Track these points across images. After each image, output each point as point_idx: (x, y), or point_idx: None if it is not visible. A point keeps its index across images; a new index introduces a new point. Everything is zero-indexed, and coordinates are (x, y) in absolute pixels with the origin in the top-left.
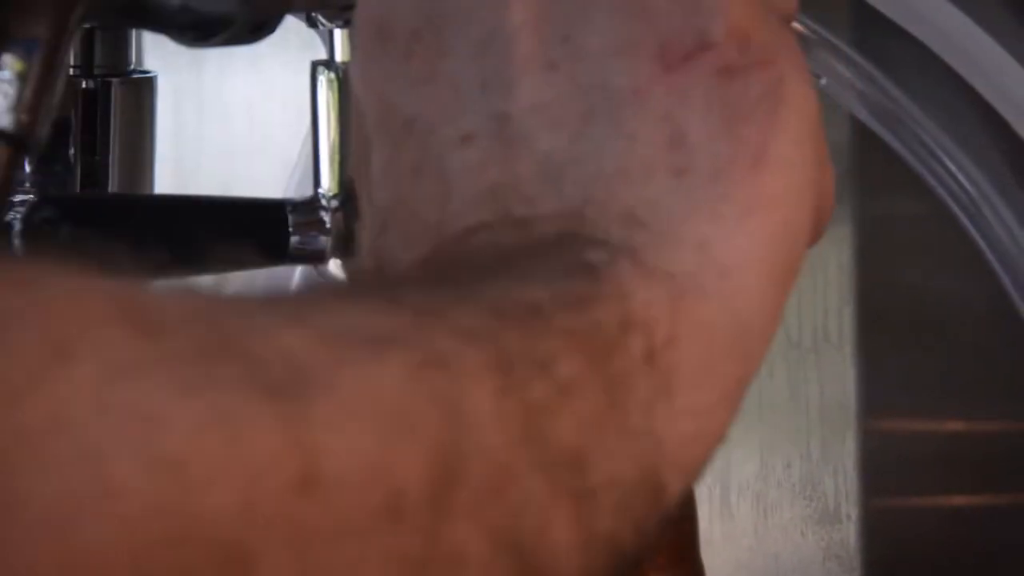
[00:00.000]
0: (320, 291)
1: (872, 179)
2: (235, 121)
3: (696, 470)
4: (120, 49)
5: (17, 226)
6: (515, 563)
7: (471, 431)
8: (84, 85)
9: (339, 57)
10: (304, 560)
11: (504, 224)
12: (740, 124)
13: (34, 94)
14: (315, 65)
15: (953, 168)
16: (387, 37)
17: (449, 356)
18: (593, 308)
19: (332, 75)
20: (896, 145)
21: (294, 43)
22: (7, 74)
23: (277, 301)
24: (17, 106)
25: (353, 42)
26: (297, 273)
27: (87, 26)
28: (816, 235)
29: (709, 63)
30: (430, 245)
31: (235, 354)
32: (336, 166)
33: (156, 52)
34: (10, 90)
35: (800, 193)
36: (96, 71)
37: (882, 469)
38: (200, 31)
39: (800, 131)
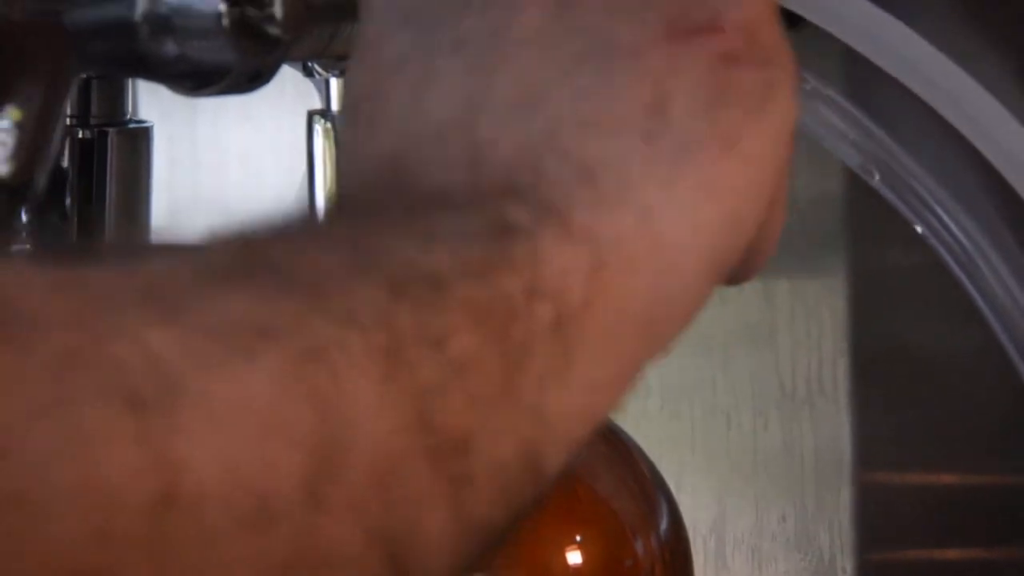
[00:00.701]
0: (212, 268)
1: (866, 230)
2: (229, 170)
3: (576, 448)
4: (117, 99)
5: None
6: (386, 557)
7: (350, 424)
8: (81, 135)
9: (335, 106)
10: (167, 573)
11: (462, 141)
12: (723, 109)
13: (32, 144)
14: (311, 114)
15: (947, 220)
16: None
17: (331, 346)
18: (499, 275)
19: (328, 124)
20: (890, 196)
21: (289, 92)
22: (5, 123)
23: (159, 288)
24: (15, 155)
25: None
26: None
27: (84, 76)
28: (744, 271)
29: (713, 44)
30: (391, 141)
31: (98, 362)
32: None
33: (151, 101)
34: (8, 139)
35: (758, 194)
36: (93, 121)
37: (877, 522)
38: (197, 80)
39: (776, 137)
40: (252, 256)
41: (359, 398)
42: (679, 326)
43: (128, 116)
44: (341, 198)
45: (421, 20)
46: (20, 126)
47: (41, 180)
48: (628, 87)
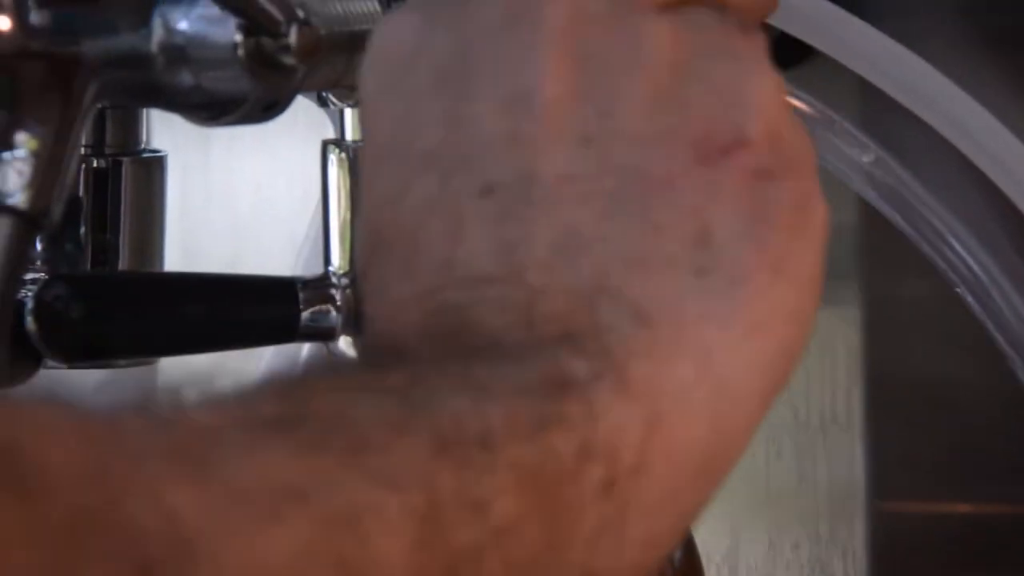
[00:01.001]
0: (254, 417)
1: (880, 260)
2: (242, 199)
3: None
4: (131, 128)
5: (29, 304)
6: None
7: None
8: (95, 164)
9: (349, 136)
10: None
11: (511, 292)
12: (766, 230)
13: (48, 173)
14: (326, 144)
15: (960, 249)
16: (414, 65)
17: (364, 509)
18: (551, 434)
19: (343, 154)
20: (904, 226)
21: (301, 122)
22: (22, 152)
23: (191, 440)
24: (32, 184)
25: (370, 58)
26: (304, 350)
27: (100, 105)
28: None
29: (744, 161)
30: (433, 285)
31: (113, 523)
32: (347, 243)
33: (164, 131)
34: (25, 168)
35: (808, 317)
36: (107, 150)
37: (891, 551)
38: (212, 110)
39: (817, 249)
40: (297, 405)
41: (387, 566)
42: (735, 461)
43: (142, 145)
44: (390, 334)
45: (442, 163)
46: (36, 155)
47: (58, 209)
48: (670, 221)
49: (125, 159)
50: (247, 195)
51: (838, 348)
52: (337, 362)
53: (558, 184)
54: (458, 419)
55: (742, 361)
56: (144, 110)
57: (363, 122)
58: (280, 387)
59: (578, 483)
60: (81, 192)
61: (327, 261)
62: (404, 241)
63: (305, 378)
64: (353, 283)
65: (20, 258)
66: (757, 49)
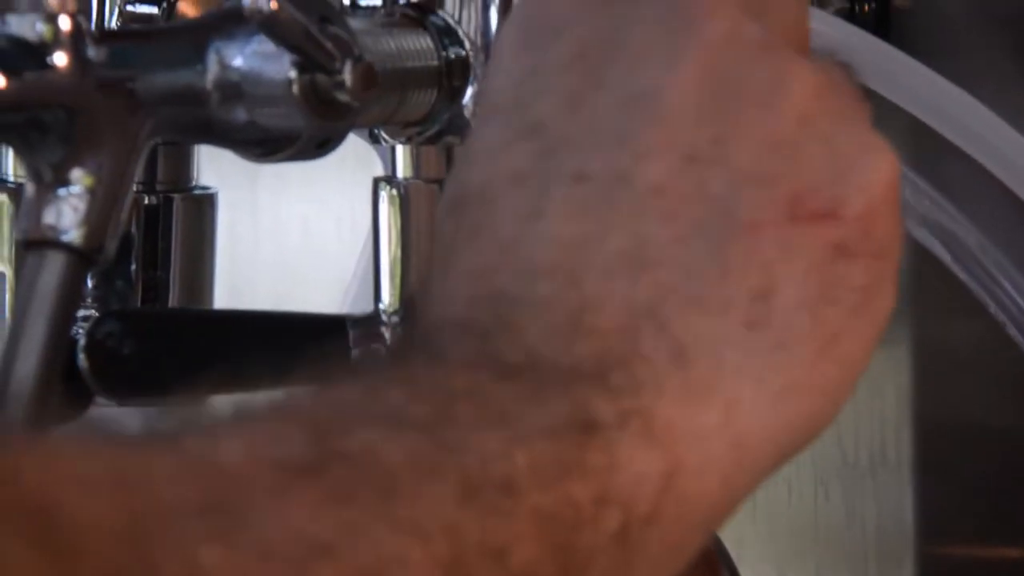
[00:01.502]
0: (286, 461)
1: (930, 301)
2: (290, 236)
3: None
4: (182, 165)
5: (81, 341)
6: None
7: None
8: (147, 201)
9: (400, 173)
10: None
11: (565, 294)
12: (829, 305)
13: (103, 210)
14: (377, 181)
15: (1011, 290)
16: (556, 38)
17: (389, 561)
18: (572, 482)
19: (394, 191)
20: (954, 267)
21: (350, 159)
22: (77, 189)
23: (225, 494)
24: (86, 221)
25: (520, 12)
26: None
27: (154, 142)
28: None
29: (829, 233)
30: (493, 263)
31: None
32: (397, 281)
33: (212, 167)
34: (80, 205)
35: (844, 396)
36: (159, 187)
37: None
38: (265, 146)
39: (874, 335)
40: (326, 442)
41: None
42: (732, 513)
43: (193, 182)
44: (432, 322)
45: (546, 137)
46: (92, 192)
47: (112, 246)
48: (738, 266)
49: (176, 196)
50: (295, 232)
51: (888, 389)
52: (369, 365)
53: (647, 193)
54: (484, 461)
55: (766, 422)
56: (195, 147)
57: (489, 71)
58: (310, 416)
59: (594, 530)
60: (133, 229)
61: (377, 299)
62: (483, 206)
63: (335, 402)
64: (403, 321)
65: (74, 295)
66: (870, 120)
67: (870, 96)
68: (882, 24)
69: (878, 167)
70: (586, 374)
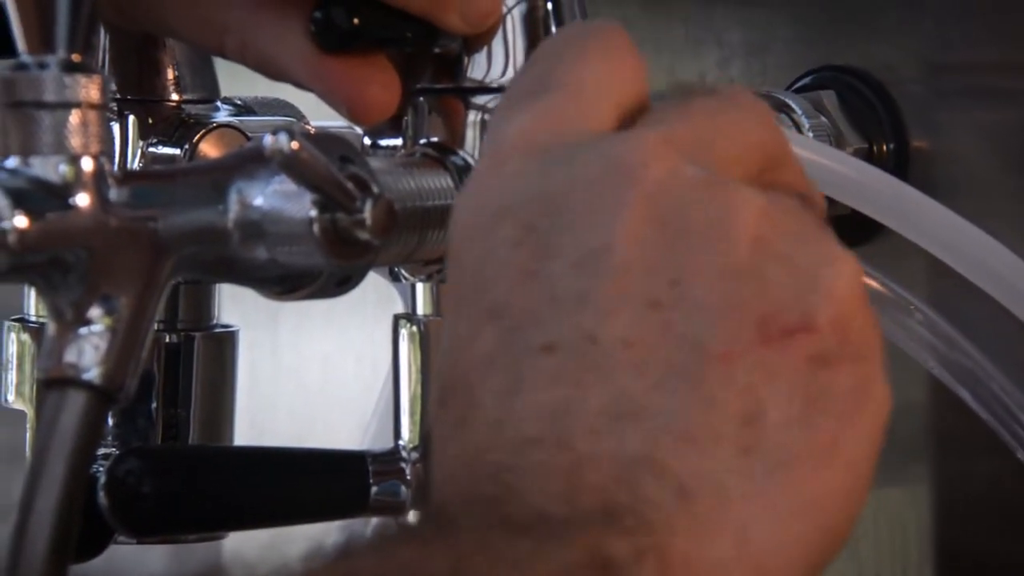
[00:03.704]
0: None
1: (950, 438)
2: (310, 374)
3: None
4: (203, 304)
5: (101, 479)
6: None
7: None
8: (168, 339)
9: (420, 311)
10: None
11: (558, 456)
12: (820, 415)
13: (123, 349)
14: (397, 318)
15: None
16: (501, 219)
17: None
18: None
19: (414, 328)
20: (974, 404)
21: (371, 297)
22: (98, 328)
23: None
24: (107, 359)
25: (462, 202)
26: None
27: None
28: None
29: (805, 346)
30: (484, 444)
31: None
32: (417, 418)
33: (233, 305)
34: (101, 344)
35: (857, 499)
36: (179, 325)
37: None
38: (286, 284)
39: (874, 433)
40: None
41: None
42: None
43: (214, 321)
44: (439, 501)
45: (509, 316)
46: (112, 331)
47: (132, 385)
48: (721, 397)
49: (197, 335)
50: (315, 370)
51: (909, 527)
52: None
53: (617, 349)
54: None
55: (781, 542)
56: (216, 285)
57: (448, 264)
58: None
59: None
60: (153, 367)
61: (397, 435)
62: (465, 394)
63: (352, 561)
64: (423, 458)
65: (94, 433)
66: (833, 237)
67: (883, 231)
68: (900, 164)
69: (840, 272)
70: (597, 520)
